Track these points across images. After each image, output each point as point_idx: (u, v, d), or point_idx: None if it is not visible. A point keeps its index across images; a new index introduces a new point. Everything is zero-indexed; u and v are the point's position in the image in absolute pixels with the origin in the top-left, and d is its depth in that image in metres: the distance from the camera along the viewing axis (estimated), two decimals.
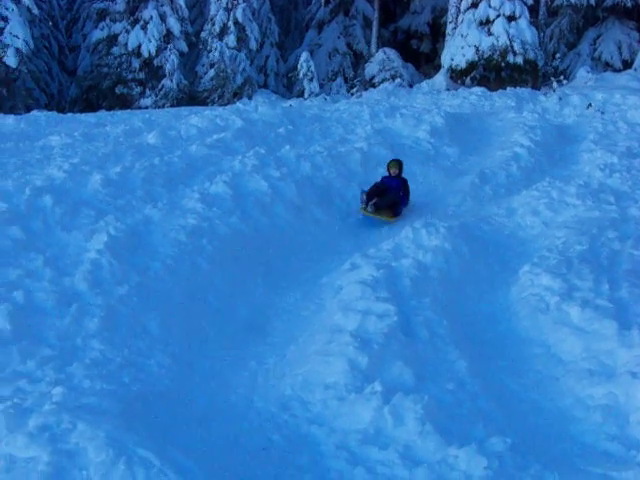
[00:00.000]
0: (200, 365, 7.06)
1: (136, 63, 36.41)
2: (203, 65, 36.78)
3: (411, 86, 32.90)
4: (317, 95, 32.35)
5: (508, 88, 25.44)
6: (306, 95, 32.89)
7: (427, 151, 15.22)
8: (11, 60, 31.87)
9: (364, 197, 11.50)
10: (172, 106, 33.30)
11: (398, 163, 12.44)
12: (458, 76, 30.73)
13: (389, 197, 11.71)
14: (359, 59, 38.80)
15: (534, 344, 7.48)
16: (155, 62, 36.29)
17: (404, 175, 12.47)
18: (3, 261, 7.85)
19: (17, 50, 31.97)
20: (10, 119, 18.24)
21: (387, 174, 12.45)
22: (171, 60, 35.76)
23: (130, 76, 36.50)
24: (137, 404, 5.78)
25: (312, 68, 33.47)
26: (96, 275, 7.84)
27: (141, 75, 36.56)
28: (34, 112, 21.83)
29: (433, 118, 16.85)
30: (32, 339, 6.66)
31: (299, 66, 33.87)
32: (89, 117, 22.02)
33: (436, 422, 5.66)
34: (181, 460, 4.77)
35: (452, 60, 30.40)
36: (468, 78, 30.31)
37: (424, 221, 10.23)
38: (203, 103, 34.53)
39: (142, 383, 6.31)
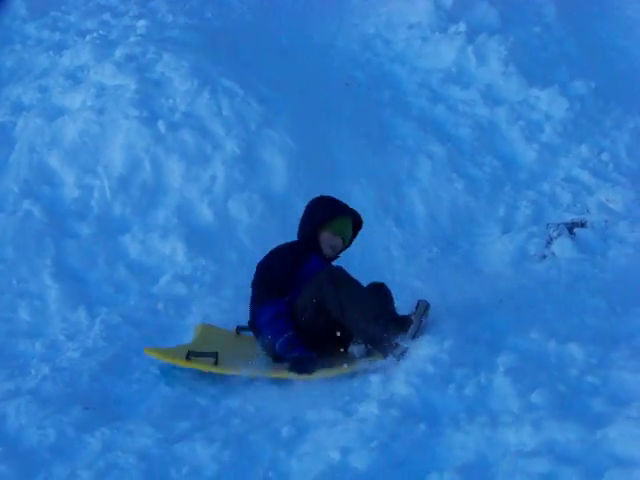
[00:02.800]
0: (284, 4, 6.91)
1: None
2: None
3: None
4: None
5: None
6: None
7: None
8: None
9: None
10: None
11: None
12: None
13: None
14: None
15: None
16: None
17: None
18: None
19: None
20: None
21: (316, 255, 3.56)
22: None
23: None
24: (220, 38, 5.80)
25: None
26: None
27: None
28: None
29: None
30: None
31: None
32: None
33: (520, 64, 5.62)
34: (265, 91, 4.85)
35: None
36: None
37: None
38: None
39: (224, 18, 6.29)
